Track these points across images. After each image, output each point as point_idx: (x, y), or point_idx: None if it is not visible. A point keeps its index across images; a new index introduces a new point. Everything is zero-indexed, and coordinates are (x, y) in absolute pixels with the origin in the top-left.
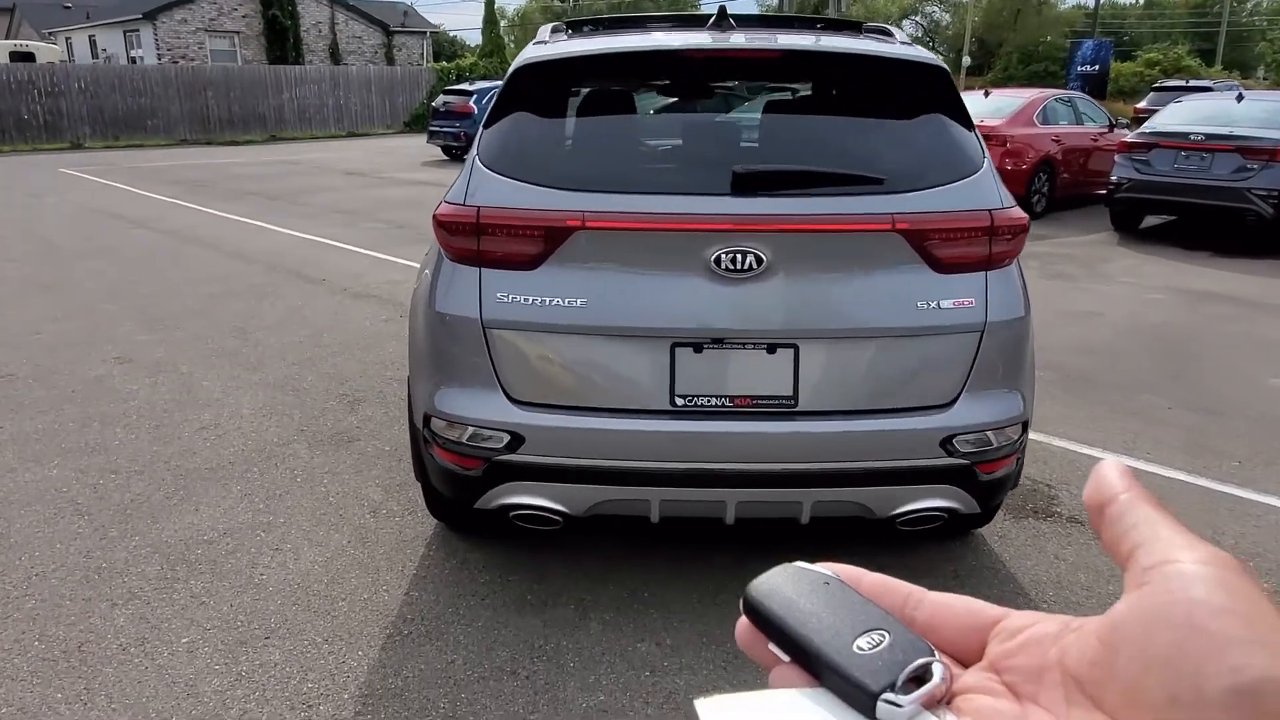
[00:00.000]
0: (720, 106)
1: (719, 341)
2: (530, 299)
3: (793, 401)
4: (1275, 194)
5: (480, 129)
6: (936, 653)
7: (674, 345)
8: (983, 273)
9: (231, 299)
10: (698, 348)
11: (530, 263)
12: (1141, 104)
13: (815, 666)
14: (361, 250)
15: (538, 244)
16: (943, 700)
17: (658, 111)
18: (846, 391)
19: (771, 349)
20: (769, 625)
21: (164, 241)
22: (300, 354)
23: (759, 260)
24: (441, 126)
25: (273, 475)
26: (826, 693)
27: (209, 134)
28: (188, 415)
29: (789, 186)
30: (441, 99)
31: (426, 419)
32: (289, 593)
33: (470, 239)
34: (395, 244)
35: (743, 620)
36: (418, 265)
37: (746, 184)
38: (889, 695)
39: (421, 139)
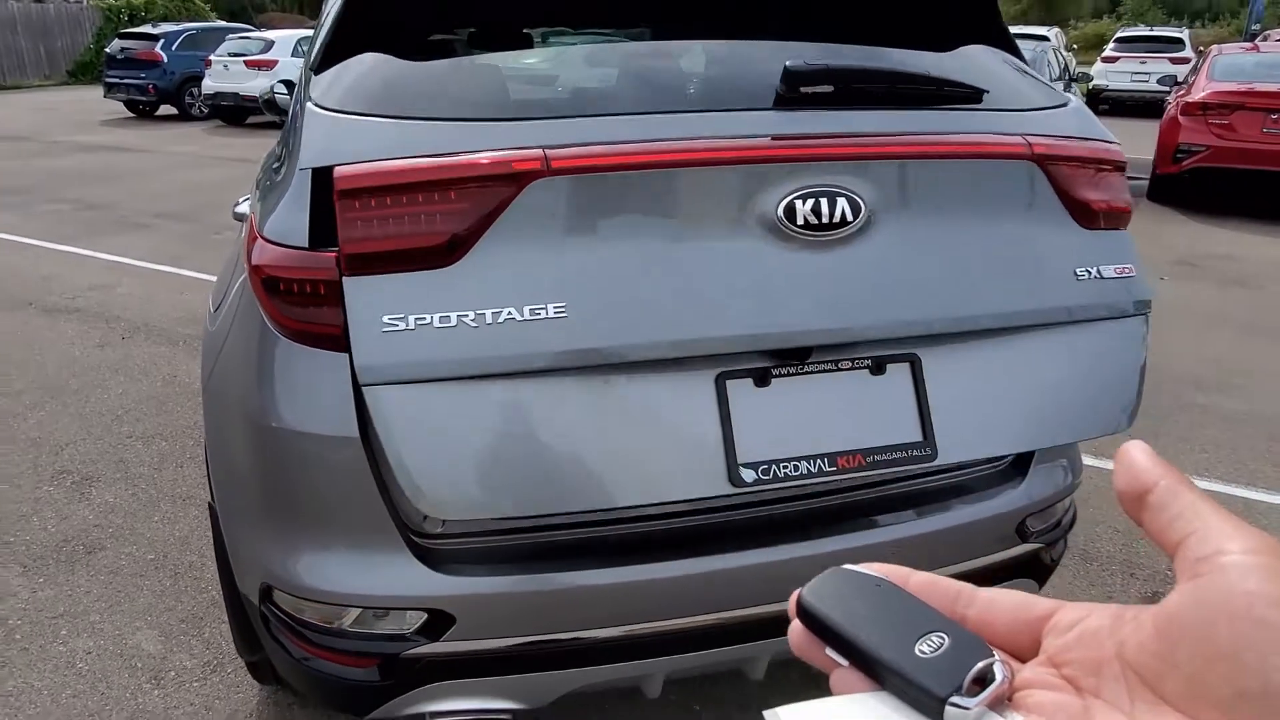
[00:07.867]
0: None
1: (798, 359)
2: (448, 318)
3: (927, 450)
4: None
5: (305, 66)
6: (996, 652)
7: (721, 377)
8: (1127, 230)
9: None
10: (761, 376)
11: (443, 250)
12: None
13: (877, 671)
14: (45, 244)
15: (457, 214)
16: (1006, 698)
17: None
18: (996, 423)
19: (878, 366)
20: (825, 630)
21: None
22: None
23: (854, 208)
24: (123, 78)
25: None
26: (890, 696)
27: None
28: None
29: (866, 99)
30: (119, 45)
31: (267, 592)
32: None
33: (320, 264)
34: (91, 232)
35: (796, 624)
36: (128, 261)
37: (803, 93)
38: (956, 699)
39: (92, 92)
